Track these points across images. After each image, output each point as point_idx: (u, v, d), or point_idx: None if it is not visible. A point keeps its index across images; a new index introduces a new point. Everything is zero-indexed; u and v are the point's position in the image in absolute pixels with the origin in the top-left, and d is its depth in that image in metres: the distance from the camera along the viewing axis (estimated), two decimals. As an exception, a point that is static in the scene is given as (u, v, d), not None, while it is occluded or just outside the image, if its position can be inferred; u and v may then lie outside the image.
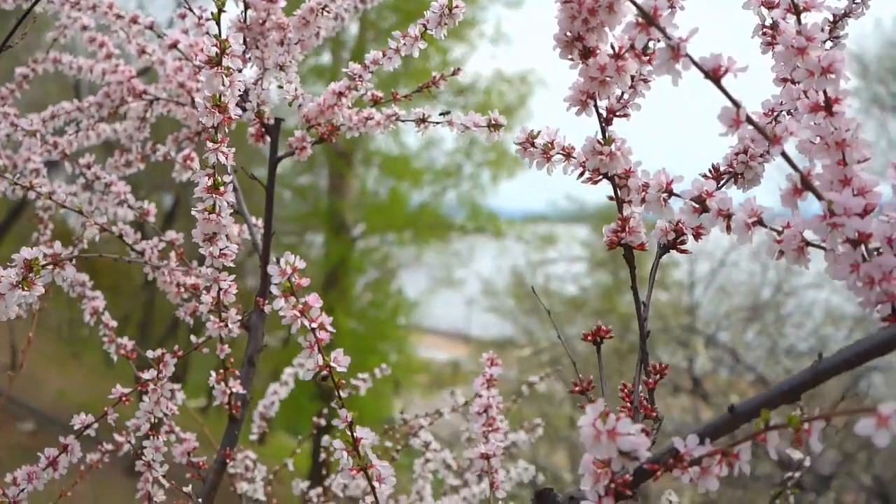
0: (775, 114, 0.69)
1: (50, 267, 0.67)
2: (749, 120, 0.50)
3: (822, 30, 0.62)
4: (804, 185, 0.51)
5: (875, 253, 0.51)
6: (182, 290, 1.02)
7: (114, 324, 1.09)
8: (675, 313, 7.09)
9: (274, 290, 0.61)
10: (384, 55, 0.90)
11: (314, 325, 0.61)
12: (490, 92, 9.65)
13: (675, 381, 6.61)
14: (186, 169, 1.18)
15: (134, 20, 1.10)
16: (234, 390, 0.96)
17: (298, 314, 0.61)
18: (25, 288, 0.68)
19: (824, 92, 0.53)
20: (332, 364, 0.63)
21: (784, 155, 0.51)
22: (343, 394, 0.65)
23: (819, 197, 0.51)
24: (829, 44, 0.70)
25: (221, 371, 0.95)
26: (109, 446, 1.10)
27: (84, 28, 1.20)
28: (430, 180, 13.65)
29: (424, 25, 0.85)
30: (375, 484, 0.64)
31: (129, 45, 1.14)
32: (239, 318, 0.90)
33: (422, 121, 0.94)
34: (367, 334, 10.35)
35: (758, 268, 7.50)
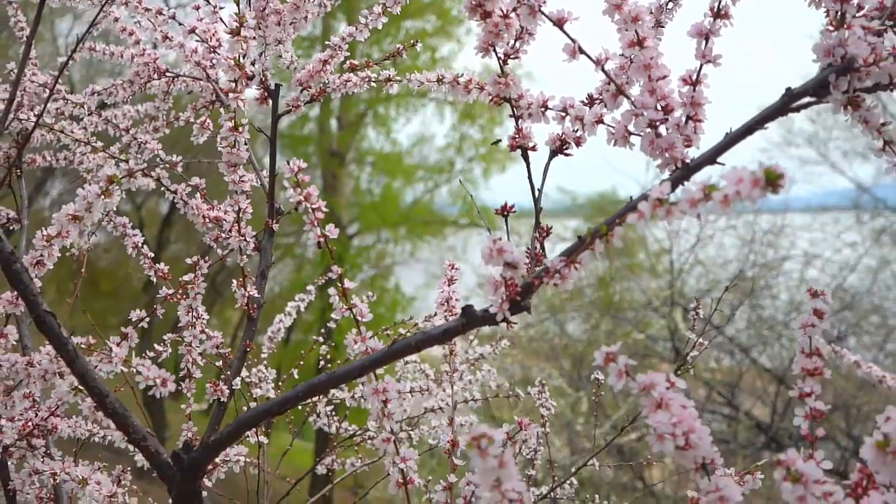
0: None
1: (127, 178, 0.95)
2: (581, 50, 0.79)
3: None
4: (618, 91, 0.80)
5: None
6: (206, 220, 1.30)
7: (151, 255, 1.38)
8: (660, 291, 7.41)
9: (286, 183, 0.90)
10: (356, 28, 1.19)
11: (314, 206, 0.90)
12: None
13: (660, 354, 6.94)
14: (203, 132, 1.46)
15: (159, 12, 1.39)
16: (251, 294, 1.25)
17: (303, 199, 0.89)
18: (107, 196, 0.96)
19: (636, 31, 0.81)
20: (327, 233, 0.91)
21: (605, 72, 0.80)
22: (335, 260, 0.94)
23: (628, 98, 0.79)
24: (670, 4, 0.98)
25: (241, 279, 1.24)
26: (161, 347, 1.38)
27: (116, 20, 1.49)
28: (423, 177, 13.91)
29: (384, 4, 1.14)
30: (360, 317, 0.92)
31: (155, 33, 1.43)
32: (254, 234, 1.19)
33: (388, 80, 1.23)
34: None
35: (745, 251, 7.87)
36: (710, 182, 0.62)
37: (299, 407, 1.64)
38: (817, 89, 0.72)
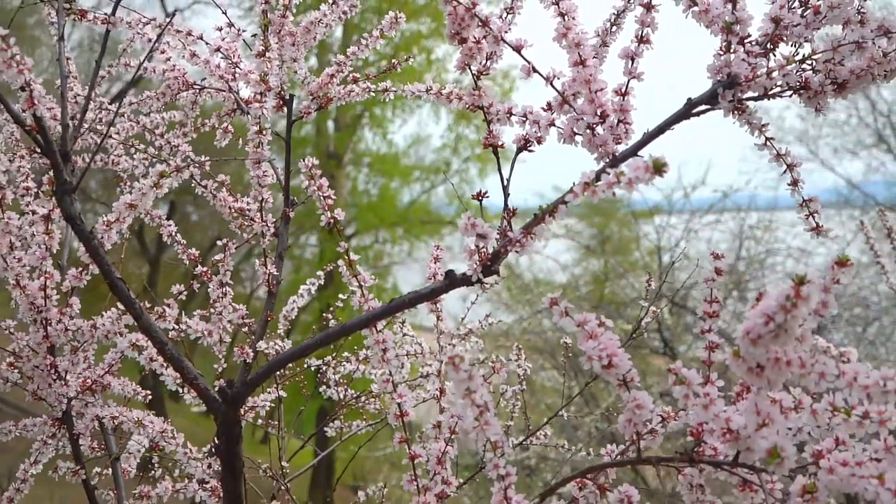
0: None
1: (175, 173, 1.18)
2: (534, 69, 1.02)
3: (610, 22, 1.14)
4: (563, 100, 1.03)
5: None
6: (231, 210, 1.53)
7: (184, 242, 1.60)
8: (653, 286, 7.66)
9: (301, 176, 1.12)
10: (359, 48, 1.42)
11: (325, 194, 1.13)
12: (473, 88, 10.09)
13: (649, 345, 7.18)
14: (226, 136, 1.69)
15: (189, 33, 1.61)
16: (272, 272, 1.47)
17: (317, 189, 1.12)
18: (157, 188, 1.19)
19: (578, 54, 1.04)
20: (335, 216, 1.14)
21: (553, 87, 1.03)
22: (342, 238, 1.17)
23: (570, 106, 1.02)
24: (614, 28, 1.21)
25: (262, 259, 1.47)
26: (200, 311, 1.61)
27: (149, 40, 1.71)
28: (419, 177, 14.12)
29: (382, 29, 1.37)
30: (363, 283, 1.15)
31: (185, 51, 1.65)
32: (274, 220, 1.42)
33: (385, 90, 1.46)
34: (365, 330, 10.79)
35: (735, 244, 8.15)
36: (621, 171, 0.85)
37: (311, 368, 1.87)
38: (710, 99, 0.95)
